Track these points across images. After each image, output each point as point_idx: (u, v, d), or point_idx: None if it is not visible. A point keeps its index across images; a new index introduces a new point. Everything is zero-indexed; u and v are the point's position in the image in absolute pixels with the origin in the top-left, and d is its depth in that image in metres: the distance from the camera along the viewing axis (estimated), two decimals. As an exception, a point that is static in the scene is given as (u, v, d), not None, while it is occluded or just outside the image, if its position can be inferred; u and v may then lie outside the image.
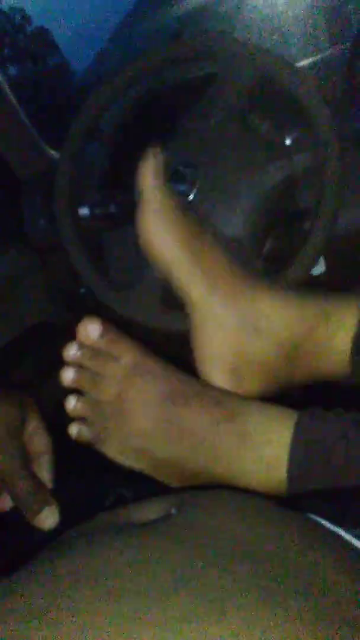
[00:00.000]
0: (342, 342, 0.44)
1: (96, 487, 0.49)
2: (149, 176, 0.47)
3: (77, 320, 0.48)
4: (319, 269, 0.80)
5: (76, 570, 0.26)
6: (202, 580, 0.24)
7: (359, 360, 0.43)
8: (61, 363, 0.48)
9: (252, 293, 0.46)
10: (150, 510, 0.36)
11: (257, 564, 0.26)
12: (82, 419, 0.48)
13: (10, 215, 1.04)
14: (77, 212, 0.79)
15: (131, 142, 0.89)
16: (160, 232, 0.47)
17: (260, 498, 0.37)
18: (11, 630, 0.22)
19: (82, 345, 0.47)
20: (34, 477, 0.45)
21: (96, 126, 0.78)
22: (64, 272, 0.98)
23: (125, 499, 0.46)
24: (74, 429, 0.48)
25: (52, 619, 0.23)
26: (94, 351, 0.47)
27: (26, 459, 0.46)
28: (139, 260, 0.60)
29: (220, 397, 0.44)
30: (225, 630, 0.21)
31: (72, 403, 0.47)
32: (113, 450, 0.46)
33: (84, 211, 0.82)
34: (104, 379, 0.46)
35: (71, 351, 0.47)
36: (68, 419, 0.49)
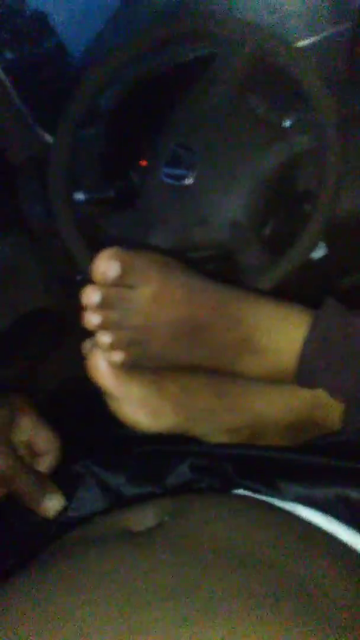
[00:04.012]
0: (334, 420, 0.52)
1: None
2: (100, 374, 0.47)
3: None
4: (320, 252, 0.79)
5: (70, 577, 0.26)
6: (197, 587, 0.24)
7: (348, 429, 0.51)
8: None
9: (247, 403, 0.52)
10: (145, 517, 0.36)
11: (250, 569, 0.26)
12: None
13: (6, 202, 1.03)
14: (73, 197, 0.78)
15: (128, 125, 0.88)
16: (136, 417, 0.48)
17: (254, 502, 0.38)
18: None
19: (101, 287, 0.45)
20: (32, 470, 0.45)
21: (92, 109, 0.77)
22: (61, 258, 0.97)
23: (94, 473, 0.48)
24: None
25: (40, 623, 0.22)
26: (113, 288, 0.45)
27: (19, 456, 0.45)
28: (137, 245, 0.59)
29: (238, 314, 0.48)
30: (216, 634, 0.21)
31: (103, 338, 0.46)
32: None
33: (79, 196, 0.81)
34: (125, 312, 0.46)
35: (93, 298, 0.45)
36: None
